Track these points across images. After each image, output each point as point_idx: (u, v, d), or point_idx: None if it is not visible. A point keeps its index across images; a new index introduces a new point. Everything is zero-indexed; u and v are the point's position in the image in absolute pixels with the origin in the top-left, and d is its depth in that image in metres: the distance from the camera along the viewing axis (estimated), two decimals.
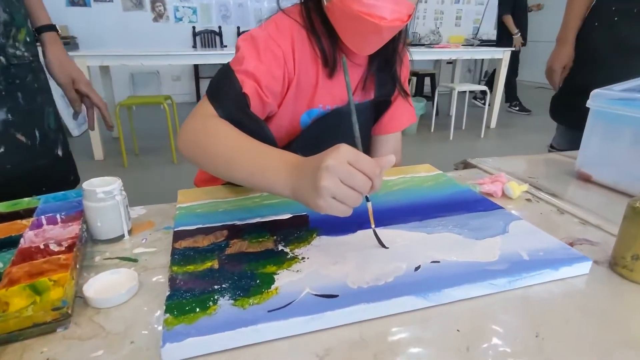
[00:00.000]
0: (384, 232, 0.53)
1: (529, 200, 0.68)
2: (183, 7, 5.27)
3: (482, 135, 4.08)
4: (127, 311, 0.41)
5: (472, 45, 5.59)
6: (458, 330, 0.39)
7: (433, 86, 4.85)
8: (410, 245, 0.50)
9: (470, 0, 6.43)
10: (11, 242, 0.49)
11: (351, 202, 0.42)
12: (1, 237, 0.49)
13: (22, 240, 0.48)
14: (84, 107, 0.88)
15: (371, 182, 0.42)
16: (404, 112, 0.83)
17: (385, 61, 0.75)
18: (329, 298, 0.40)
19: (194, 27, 5.34)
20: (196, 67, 5.39)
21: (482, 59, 6.66)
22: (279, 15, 0.68)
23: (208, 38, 5.40)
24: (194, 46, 5.36)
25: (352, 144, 0.46)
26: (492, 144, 3.91)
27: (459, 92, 3.90)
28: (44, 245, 0.48)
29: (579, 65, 1.22)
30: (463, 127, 4.33)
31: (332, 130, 0.70)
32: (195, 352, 0.35)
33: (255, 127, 0.61)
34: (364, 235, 0.53)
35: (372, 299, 0.40)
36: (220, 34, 5.43)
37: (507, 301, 0.43)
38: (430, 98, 4.46)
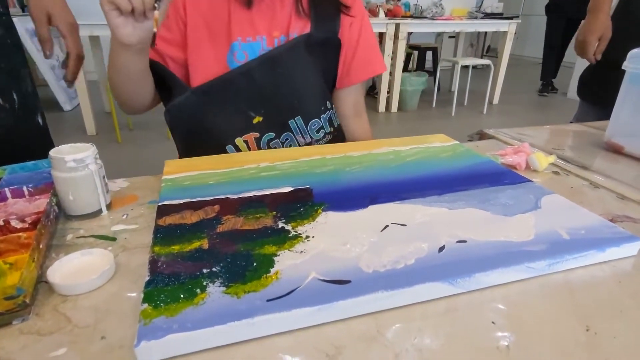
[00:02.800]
0: (401, 207, 0.46)
1: (556, 173, 0.61)
2: None
3: (485, 112, 3.99)
4: (99, 299, 0.34)
5: (475, 18, 5.42)
6: (493, 323, 0.32)
7: (435, 61, 4.71)
8: (430, 222, 0.43)
9: None
10: None
11: (124, 5, 0.48)
12: None
13: None
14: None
15: None
16: (369, 59, 0.75)
17: None
18: (339, 284, 0.33)
19: None
20: None
21: (485, 33, 6.49)
22: None
23: None
24: None
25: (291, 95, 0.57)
26: (494, 121, 3.83)
27: (462, 66, 3.79)
28: (3, 221, 0.41)
29: (615, 37, 1.09)
30: (465, 103, 4.23)
31: (270, 78, 0.66)
32: (178, 350, 0.29)
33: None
34: (377, 211, 0.46)
35: (391, 286, 0.33)
36: None
37: (547, 287, 0.37)
38: (432, 73, 4.34)
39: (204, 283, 0.34)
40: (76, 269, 0.37)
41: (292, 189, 0.51)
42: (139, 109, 0.69)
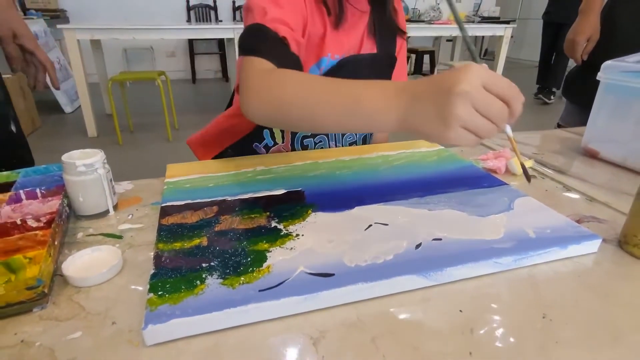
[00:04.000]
0: (385, 209, 0.50)
1: (533, 176, 0.65)
2: None
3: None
4: (109, 290, 0.38)
5: (472, 22, 5.48)
6: (461, 311, 0.36)
7: (432, 64, 4.77)
8: (411, 222, 0.48)
9: None
10: None
11: (484, 133, 0.37)
12: None
13: None
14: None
15: (509, 107, 0.37)
16: (401, 69, 0.82)
17: (382, 7, 0.73)
18: (324, 277, 0.37)
19: (187, 1, 5.19)
20: (191, 43, 5.27)
21: (483, 37, 6.54)
22: None
23: (203, 12, 5.25)
24: (188, 21, 5.22)
25: None
26: None
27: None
28: (21, 220, 0.45)
29: (601, 40, 1.14)
30: None
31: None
32: (180, 333, 0.33)
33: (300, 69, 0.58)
34: (362, 212, 0.50)
35: (370, 278, 0.37)
36: (215, 9, 5.28)
37: (512, 281, 0.41)
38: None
39: (203, 276, 0.38)
40: (88, 263, 0.41)
41: (285, 191, 0.55)
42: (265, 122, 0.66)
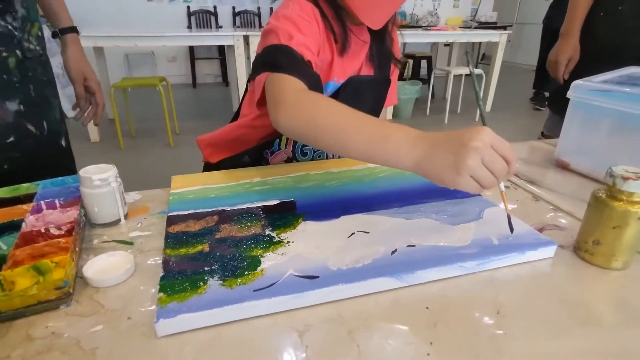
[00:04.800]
0: (367, 218, 0.56)
1: (507, 187, 0.71)
2: None
3: (477, 119, 4.09)
4: (124, 290, 0.44)
5: (469, 27, 5.55)
6: (427, 308, 0.42)
7: (430, 69, 4.83)
8: (390, 230, 0.53)
9: None
10: (13, 226, 0.52)
11: (487, 184, 0.44)
12: (4, 221, 0.52)
13: (23, 224, 0.51)
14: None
15: (508, 167, 0.45)
16: (393, 91, 0.91)
17: (381, 39, 0.80)
18: (310, 279, 0.43)
19: (188, 7, 5.26)
20: (191, 48, 5.34)
21: (480, 42, 6.60)
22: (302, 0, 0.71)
23: (203, 18, 5.33)
24: (189, 26, 5.30)
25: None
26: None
27: (454, 75, 3.90)
28: (44, 229, 0.51)
29: (583, 58, 1.22)
30: (458, 111, 4.34)
31: (347, 101, 0.74)
32: (186, 327, 0.39)
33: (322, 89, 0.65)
34: (347, 221, 0.56)
35: (350, 280, 0.43)
36: (215, 14, 5.36)
37: (475, 282, 0.47)
38: (426, 81, 4.45)
39: (205, 277, 0.44)
40: (104, 267, 0.47)
41: (278, 201, 0.61)
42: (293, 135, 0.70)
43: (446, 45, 5.86)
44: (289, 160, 0.84)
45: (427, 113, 4.26)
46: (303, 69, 0.62)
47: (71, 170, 0.90)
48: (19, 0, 0.73)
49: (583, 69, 1.18)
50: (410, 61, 5.00)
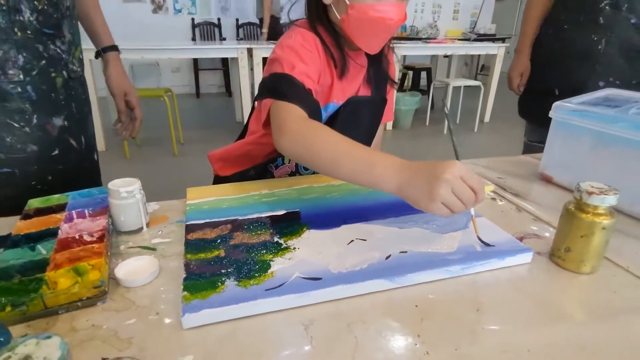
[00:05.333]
0: (365, 227, 0.63)
1: (494, 199, 0.78)
2: None
3: (476, 130, 4.17)
4: (151, 290, 0.51)
5: (468, 39, 5.65)
6: (416, 306, 0.49)
7: (429, 80, 4.92)
8: (385, 238, 0.60)
9: None
10: (50, 233, 0.58)
11: (456, 210, 0.51)
12: (42, 229, 0.59)
13: (59, 231, 0.57)
14: None
15: (475, 196, 0.51)
16: (389, 109, 0.97)
17: (378, 62, 0.87)
18: (314, 280, 0.50)
19: (193, 19, 5.38)
20: (196, 59, 5.45)
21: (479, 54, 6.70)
22: (299, 29, 0.78)
23: (207, 30, 5.44)
24: (193, 38, 5.41)
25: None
26: (485, 138, 4.00)
27: (454, 86, 3.98)
28: (78, 236, 0.57)
29: (539, 69, 1.34)
30: (457, 121, 4.42)
31: (346, 120, 0.83)
32: (208, 320, 0.45)
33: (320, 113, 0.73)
34: (347, 229, 0.62)
35: (348, 281, 0.49)
36: (219, 26, 5.47)
37: (459, 284, 0.53)
38: (426, 92, 4.54)
39: (223, 279, 0.50)
40: (133, 269, 0.53)
41: (285, 212, 0.67)
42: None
43: (446, 56, 5.97)
44: (292, 174, 0.91)
45: (427, 124, 4.34)
46: (304, 97, 0.69)
47: (98, 181, 0.97)
48: (66, 26, 0.81)
49: (537, 80, 1.35)
50: (410, 72, 5.09)
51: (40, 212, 0.65)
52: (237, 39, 5.48)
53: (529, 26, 1.36)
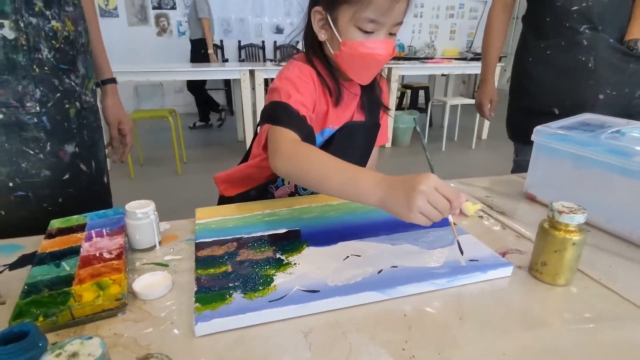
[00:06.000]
0: (360, 244, 0.68)
1: (481, 217, 0.84)
2: (186, 22, 5.45)
3: (474, 147, 4.24)
4: (165, 302, 0.56)
5: (465, 58, 5.78)
6: (405, 315, 0.54)
7: (427, 98, 5.03)
8: (377, 254, 0.65)
9: (464, 14, 6.64)
10: (72, 251, 0.64)
11: (433, 218, 0.56)
12: (65, 247, 0.65)
13: (81, 249, 0.63)
14: None
15: (450, 204, 0.57)
16: (383, 133, 1.04)
17: (371, 90, 0.94)
18: (312, 292, 0.55)
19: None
20: None
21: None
22: (297, 62, 0.86)
23: None
24: None
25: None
26: (482, 155, 4.08)
27: (451, 105, 4.07)
28: (98, 253, 0.63)
29: (522, 95, 1.42)
30: (455, 139, 4.50)
31: (342, 143, 0.90)
32: (218, 328, 0.50)
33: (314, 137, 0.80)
34: (343, 246, 0.68)
35: (344, 293, 0.55)
36: (222, 48, 5.61)
37: (445, 296, 0.58)
38: (424, 110, 4.64)
39: (230, 292, 0.55)
40: (149, 284, 0.59)
41: (286, 230, 0.73)
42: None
43: (443, 75, 6.09)
44: (291, 194, 0.97)
45: (425, 141, 4.40)
46: (298, 122, 0.76)
47: (109, 202, 1.03)
48: (81, 61, 0.88)
49: (521, 104, 1.45)
50: (409, 91, 5.20)
51: (61, 231, 0.71)
52: (239, 60, 5.62)
53: (490, 56, 1.48)
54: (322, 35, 0.82)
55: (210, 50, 4.46)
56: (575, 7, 1.22)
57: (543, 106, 1.34)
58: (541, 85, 1.34)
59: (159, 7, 5.33)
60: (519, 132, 1.48)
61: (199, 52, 4.53)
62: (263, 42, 5.77)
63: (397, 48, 5.98)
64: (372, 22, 0.75)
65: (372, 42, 0.77)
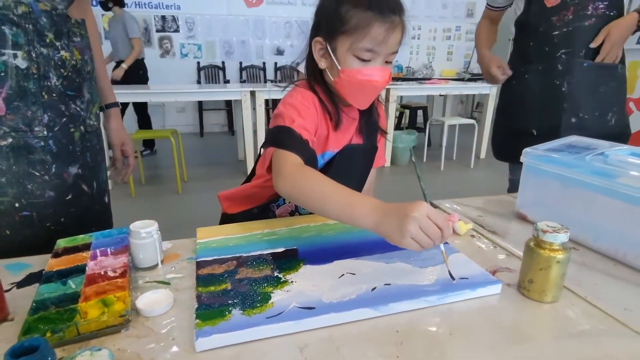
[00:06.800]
0: (355, 262, 0.71)
1: (473, 236, 0.86)
2: (189, 44, 5.59)
3: (472, 166, 4.28)
4: (167, 319, 0.58)
5: (462, 79, 5.88)
6: (397, 331, 0.56)
7: (425, 118, 5.10)
8: (372, 273, 0.68)
9: (461, 36, 6.79)
10: (78, 270, 0.67)
11: (425, 244, 0.59)
12: (71, 266, 0.67)
13: (87, 268, 0.66)
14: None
15: (441, 232, 0.60)
16: (381, 155, 1.08)
17: (369, 114, 0.98)
18: (308, 309, 0.58)
19: (198, 63, 5.64)
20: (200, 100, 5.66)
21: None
22: (299, 89, 0.91)
23: (212, 72, 5.69)
24: (198, 80, 5.64)
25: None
26: (481, 174, 4.12)
27: (449, 125, 4.13)
28: (103, 272, 0.65)
29: (506, 115, 1.50)
30: (454, 158, 4.54)
31: (341, 165, 0.94)
32: (218, 344, 0.52)
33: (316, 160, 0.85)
34: (339, 264, 0.70)
35: (338, 310, 0.57)
36: (223, 69, 5.72)
37: (436, 313, 0.61)
38: (422, 129, 4.70)
39: (230, 308, 0.58)
40: (151, 301, 0.61)
41: (284, 249, 0.76)
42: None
43: (441, 95, 6.18)
44: (292, 213, 1.00)
45: (424, 160, 4.46)
46: (300, 146, 0.80)
47: (109, 222, 1.06)
48: (86, 88, 0.93)
49: (507, 124, 1.51)
50: (407, 111, 5.27)
51: (67, 250, 0.73)
52: (240, 81, 5.72)
53: (481, 47, 1.56)
54: (322, 64, 0.87)
55: (125, 66, 4.14)
56: (555, 32, 1.29)
57: (523, 127, 1.40)
58: (522, 107, 1.40)
59: (163, 30, 5.47)
60: (503, 151, 1.54)
61: (137, 73, 4.27)
62: (264, 63, 5.89)
63: (395, 69, 6.09)
64: (369, 51, 0.80)
65: (369, 69, 0.82)
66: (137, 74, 4.31)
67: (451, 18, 6.62)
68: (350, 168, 0.98)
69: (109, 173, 1.15)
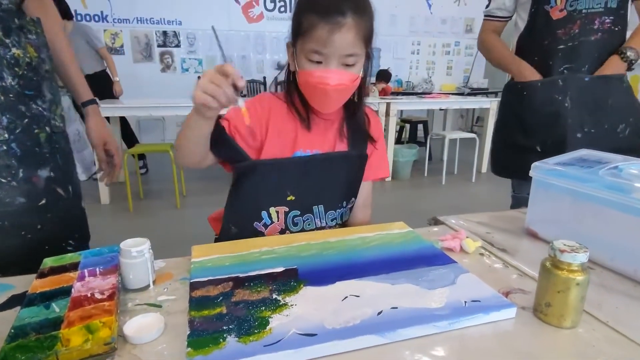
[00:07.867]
0: (359, 283, 0.67)
1: (482, 254, 0.82)
2: (189, 58, 5.61)
3: (474, 180, 4.25)
4: (157, 346, 0.54)
5: (462, 93, 5.90)
6: None
7: (426, 132, 5.09)
8: (377, 295, 0.64)
9: (460, 51, 6.83)
10: (63, 292, 0.63)
11: (216, 94, 0.69)
12: (56, 287, 0.63)
13: (73, 290, 0.62)
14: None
15: (230, 79, 0.68)
16: (379, 166, 1.04)
17: (353, 121, 0.97)
18: (309, 336, 0.53)
19: (199, 77, 5.64)
20: None
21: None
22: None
23: None
24: None
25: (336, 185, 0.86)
26: (482, 188, 4.08)
27: (450, 139, 4.11)
28: (90, 294, 0.61)
29: (509, 130, 1.46)
30: (455, 172, 4.51)
31: (320, 172, 0.94)
32: None
33: (224, 141, 0.89)
34: (341, 286, 0.66)
35: (342, 337, 0.53)
36: None
37: (447, 339, 0.56)
38: (423, 144, 4.68)
39: (224, 335, 0.53)
40: (140, 326, 0.57)
41: (283, 269, 0.72)
42: (192, 164, 0.92)
43: (441, 109, 6.19)
44: (282, 231, 0.95)
45: (425, 174, 4.42)
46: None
47: (86, 229, 1.02)
48: (46, 87, 0.90)
49: (506, 140, 1.49)
50: (407, 125, 5.27)
51: (54, 270, 0.69)
52: (241, 95, 5.72)
53: (499, 51, 1.46)
54: (292, 66, 0.89)
55: (117, 78, 4.03)
56: (561, 46, 1.26)
57: (526, 143, 1.36)
58: (523, 123, 1.37)
59: (164, 45, 5.50)
60: (503, 167, 1.50)
61: (104, 86, 3.94)
62: (264, 77, 5.90)
63: (395, 83, 6.11)
64: (316, 52, 0.81)
65: (320, 71, 0.82)
66: (104, 87, 3.95)
67: (450, 34, 6.66)
68: (330, 176, 0.95)
69: (98, 175, 1.11)
